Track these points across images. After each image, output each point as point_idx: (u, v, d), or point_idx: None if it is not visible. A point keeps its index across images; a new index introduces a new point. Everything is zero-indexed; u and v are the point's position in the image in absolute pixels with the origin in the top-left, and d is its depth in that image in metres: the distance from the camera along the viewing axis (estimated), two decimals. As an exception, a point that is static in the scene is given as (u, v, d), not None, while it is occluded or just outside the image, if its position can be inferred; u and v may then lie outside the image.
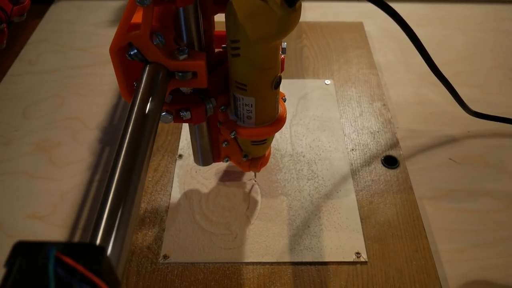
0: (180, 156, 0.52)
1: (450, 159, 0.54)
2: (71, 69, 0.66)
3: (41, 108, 0.60)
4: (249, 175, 0.50)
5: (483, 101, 0.61)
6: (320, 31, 0.73)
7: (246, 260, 0.43)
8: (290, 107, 0.59)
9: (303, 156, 0.53)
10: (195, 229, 0.45)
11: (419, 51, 0.42)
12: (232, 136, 0.40)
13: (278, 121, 0.40)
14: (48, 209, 0.48)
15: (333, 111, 0.58)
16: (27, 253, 0.18)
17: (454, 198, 0.49)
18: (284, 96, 0.42)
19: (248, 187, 0.49)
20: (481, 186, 0.51)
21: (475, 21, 0.77)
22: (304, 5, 0.81)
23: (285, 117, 0.41)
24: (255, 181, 0.50)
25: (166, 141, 0.54)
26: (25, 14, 0.58)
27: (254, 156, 0.45)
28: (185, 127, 0.56)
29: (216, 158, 0.46)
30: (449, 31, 0.75)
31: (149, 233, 0.45)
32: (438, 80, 0.52)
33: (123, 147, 0.26)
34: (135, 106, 0.28)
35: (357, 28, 0.73)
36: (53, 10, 0.79)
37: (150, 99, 0.29)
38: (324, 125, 0.57)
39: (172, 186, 0.49)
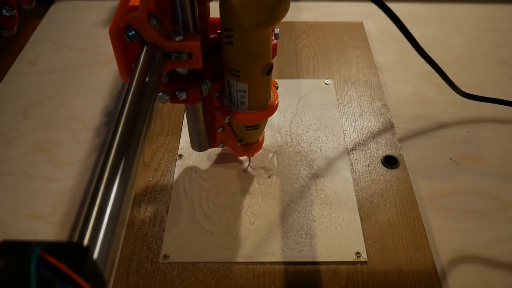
0: (180, 156, 0.52)
1: (450, 159, 0.54)
2: (71, 69, 0.66)
3: (41, 108, 0.60)
4: (252, 173, 0.50)
5: (483, 101, 0.61)
6: (320, 31, 0.73)
7: (246, 260, 0.43)
8: (290, 107, 0.59)
9: (303, 156, 0.53)
10: (195, 229, 0.45)
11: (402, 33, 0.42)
12: (227, 121, 0.43)
13: (270, 107, 0.43)
14: (48, 209, 0.48)
15: (333, 111, 0.58)
16: (12, 252, 0.18)
17: (454, 198, 0.49)
18: (277, 84, 0.45)
19: (248, 186, 0.49)
20: (481, 186, 0.51)
21: (475, 21, 0.77)
22: (304, 5, 0.81)
23: (277, 103, 0.44)
24: (251, 167, 0.51)
25: (166, 141, 0.54)
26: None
27: (248, 141, 0.48)
28: (185, 126, 0.56)
29: (212, 143, 0.48)
30: (448, 31, 0.75)
31: (149, 233, 0.45)
32: (438, 80, 0.52)
33: (119, 124, 0.26)
34: (133, 83, 0.30)
35: (357, 28, 0.73)
36: (53, 10, 0.79)
37: (148, 76, 0.30)
38: (324, 125, 0.57)
39: (172, 186, 0.49)
